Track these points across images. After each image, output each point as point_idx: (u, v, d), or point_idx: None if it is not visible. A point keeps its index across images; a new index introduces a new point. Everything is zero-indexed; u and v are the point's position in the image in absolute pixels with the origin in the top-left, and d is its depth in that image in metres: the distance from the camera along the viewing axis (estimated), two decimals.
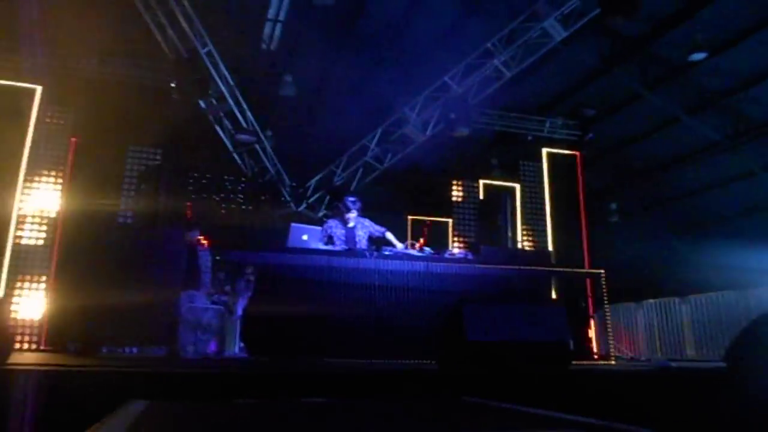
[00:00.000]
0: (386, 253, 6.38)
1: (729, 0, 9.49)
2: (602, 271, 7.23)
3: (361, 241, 6.76)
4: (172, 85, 9.72)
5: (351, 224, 6.75)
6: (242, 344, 5.69)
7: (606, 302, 7.11)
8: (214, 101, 10.29)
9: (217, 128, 10.54)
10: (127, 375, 3.76)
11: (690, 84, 11.40)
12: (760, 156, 11.82)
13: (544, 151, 11.44)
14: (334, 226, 6.76)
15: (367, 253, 6.37)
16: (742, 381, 4.62)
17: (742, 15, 9.85)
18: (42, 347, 7.68)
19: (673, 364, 6.42)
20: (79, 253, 7.12)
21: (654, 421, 3.96)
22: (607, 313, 7.13)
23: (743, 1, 9.53)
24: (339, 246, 6.62)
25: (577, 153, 11.71)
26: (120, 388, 3.34)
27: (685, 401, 4.29)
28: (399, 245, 6.58)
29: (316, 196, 11.39)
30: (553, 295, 7.29)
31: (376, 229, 6.87)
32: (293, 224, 6.42)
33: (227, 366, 4.74)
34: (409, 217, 11.09)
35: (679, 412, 4.16)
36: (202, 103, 10.20)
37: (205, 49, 9.87)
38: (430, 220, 10.34)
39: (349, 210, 6.72)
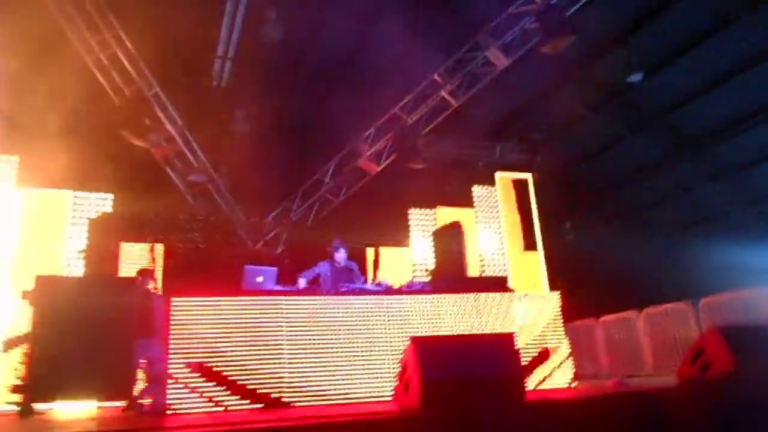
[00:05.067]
0: (342, 289, 6.37)
1: (661, 24, 9.92)
2: (558, 292, 7.35)
3: (355, 281, 6.95)
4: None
5: (339, 265, 6.99)
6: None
7: (563, 321, 7.21)
8: (163, 142, 10.17)
9: (168, 170, 10.40)
10: None
11: (631, 104, 11.83)
12: (701, 170, 12.27)
13: (497, 175, 11.64)
14: (323, 267, 6.98)
15: (324, 292, 6.35)
16: (695, 398, 4.75)
17: (673, 37, 10.32)
18: None
19: (628, 381, 6.54)
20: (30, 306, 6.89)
21: None
22: (564, 334, 7.22)
23: (674, 24, 9.98)
24: (327, 284, 6.78)
25: (529, 175, 11.95)
26: None
27: (640, 421, 4.37)
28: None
29: (273, 233, 11.30)
30: (515, 319, 7.32)
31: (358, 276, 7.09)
32: (247, 266, 6.33)
33: (185, 421, 4.62)
34: (368, 249, 11.09)
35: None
36: (151, 145, 10.06)
37: (152, 91, 9.80)
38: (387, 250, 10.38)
39: (333, 254, 6.99)
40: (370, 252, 11.07)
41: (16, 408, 6.48)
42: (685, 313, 9.16)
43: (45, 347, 6.53)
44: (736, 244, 11.55)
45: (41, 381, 6.50)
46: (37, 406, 6.49)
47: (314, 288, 6.64)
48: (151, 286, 7.34)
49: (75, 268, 8.86)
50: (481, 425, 3.80)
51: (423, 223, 11.55)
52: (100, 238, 9.33)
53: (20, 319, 6.98)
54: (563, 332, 7.12)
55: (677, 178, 12.73)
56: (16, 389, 6.71)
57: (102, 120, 10.04)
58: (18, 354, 6.91)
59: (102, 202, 10.02)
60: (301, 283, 6.67)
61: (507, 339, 4.41)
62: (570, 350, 7.00)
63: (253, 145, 11.13)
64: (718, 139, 11.76)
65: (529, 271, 10.76)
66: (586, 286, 10.90)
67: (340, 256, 7.01)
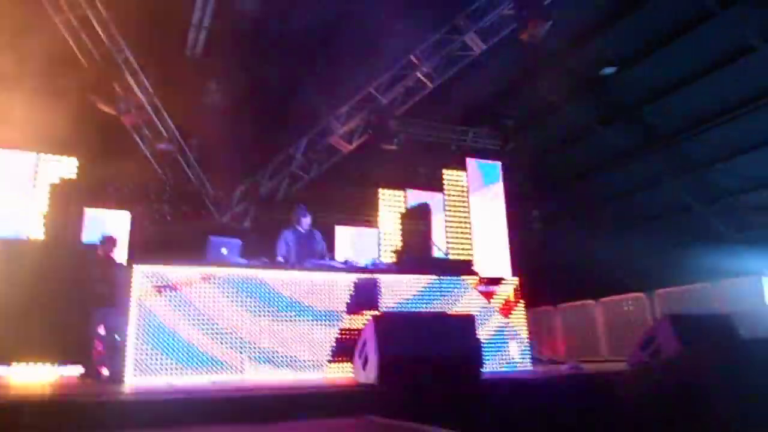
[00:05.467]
0: (307, 265, 6.39)
1: (637, 18, 10.04)
2: (516, 278, 7.48)
3: (321, 246, 7.00)
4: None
5: (303, 231, 6.98)
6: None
7: (524, 307, 7.36)
8: (132, 110, 9.98)
9: (136, 137, 10.21)
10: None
11: (603, 96, 12.00)
12: (667, 164, 12.54)
13: (468, 160, 11.74)
14: (288, 234, 6.95)
15: (288, 265, 6.36)
16: (643, 381, 4.92)
17: (648, 32, 10.46)
18: None
19: (583, 366, 6.73)
20: None
21: (560, 427, 4.17)
22: (525, 318, 7.37)
23: (650, 19, 10.11)
24: (292, 251, 6.79)
25: (499, 162, 12.08)
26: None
27: (591, 402, 4.52)
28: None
29: (242, 206, 11.22)
30: (477, 302, 7.43)
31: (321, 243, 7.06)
32: (212, 237, 6.30)
33: (140, 391, 4.61)
34: (337, 227, 11.10)
35: (585, 413, 4.38)
36: (119, 112, 9.85)
37: (122, 55, 9.57)
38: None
39: (299, 219, 6.97)
40: (339, 230, 11.08)
41: None
42: (640, 303, 9.44)
43: (3, 309, 6.44)
44: (695, 240, 11.90)
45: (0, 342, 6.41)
46: None
47: (278, 261, 6.64)
48: (113, 254, 7.26)
49: (36, 232, 8.69)
50: (437, 401, 3.89)
51: (392, 203, 11.60)
52: (63, 203, 9.15)
53: None
54: (523, 317, 7.26)
55: (643, 171, 12.98)
56: None
57: (70, 82, 9.79)
58: None
59: (66, 166, 9.82)
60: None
61: (467, 319, 4.50)
62: (529, 335, 7.16)
63: (224, 117, 10.98)
64: (685, 135, 12.00)
65: (494, 255, 10.92)
66: (547, 274, 11.11)
67: (306, 221, 6.99)
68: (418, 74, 10.35)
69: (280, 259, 6.75)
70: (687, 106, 11.44)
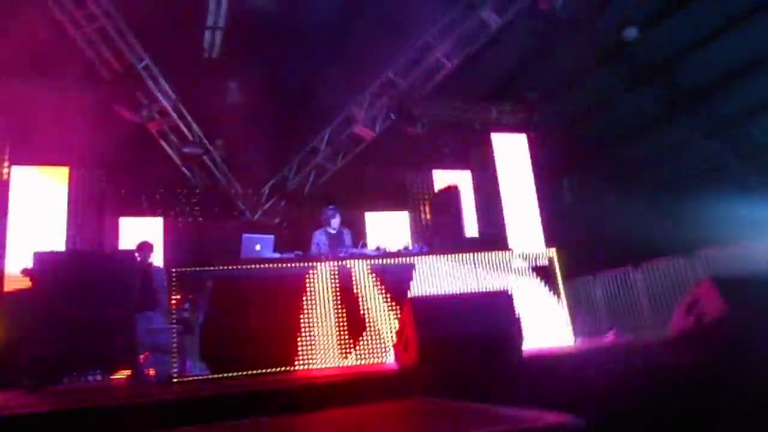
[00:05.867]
0: (340, 254, 6.43)
1: None
2: (553, 249, 7.40)
3: (348, 245, 7.01)
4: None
5: (334, 231, 7.05)
6: (198, 362, 5.65)
7: (563, 279, 7.28)
8: (156, 116, 10.12)
9: (163, 143, 10.37)
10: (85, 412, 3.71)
11: (626, 60, 11.69)
12: (700, 123, 12.20)
13: (494, 136, 11.61)
14: (319, 235, 7.05)
15: (322, 257, 6.40)
16: (688, 347, 4.83)
17: None
18: None
19: (626, 334, 6.64)
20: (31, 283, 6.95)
21: (605, 400, 4.11)
22: (564, 290, 7.29)
23: None
24: (324, 251, 6.86)
25: (525, 135, 11.91)
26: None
27: (634, 372, 4.45)
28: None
29: (271, 202, 11.31)
30: (513, 277, 7.37)
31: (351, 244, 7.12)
32: (245, 234, 6.39)
33: (190, 389, 4.71)
34: (366, 214, 11.12)
35: (628, 384, 4.32)
36: (144, 120, 10.01)
37: (142, 63, 9.70)
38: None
39: (329, 220, 7.04)
40: (368, 217, 11.09)
41: (23, 384, 6.60)
42: (681, 266, 9.25)
43: (47, 323, 6.61)
44: (734, 197, 11.57)
45: (46, 356, 6.58)
46: (44, 381, 6.60)
47: (312, 254, 6.70)
48: (150, 258, 7.41)
49: (75, 244, 8.92)
50: (479, 381, 3.88)
51: (420, 186, 11.56)
52: (98, 214, 9.38)
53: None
54: (562, 288, 7.19)
55: (675, 133, 12.65)
56: (21, 366, 6.81)
57: (95, 95, 9.97)
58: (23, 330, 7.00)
59: (99, 178, 10.05)
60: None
61: (504, 296, 4.47)
62: (568, 307, 7.08)
63: (246, 115, 11.08)
64: (716, 92, 11.64)
65: (527, 230, 10.81)
66: (583, 244, 10.95)
67: (336, 221, 7.07)
68: (437, 55, 10.24)
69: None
70: (716, 62, 11.07)
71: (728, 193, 11.88)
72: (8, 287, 8.02)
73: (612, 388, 4.16)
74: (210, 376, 5.32)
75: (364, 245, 6.72)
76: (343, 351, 5.69)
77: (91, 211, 9.54)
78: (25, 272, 6.32)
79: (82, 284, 6.32)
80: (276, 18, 10.43)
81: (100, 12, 9.13)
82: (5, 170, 9.04)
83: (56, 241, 8.64)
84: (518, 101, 12.25)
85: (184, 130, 10.38)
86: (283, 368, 5.46)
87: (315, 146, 11.25)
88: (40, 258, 6.27)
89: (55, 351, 6.23)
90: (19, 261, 7.68)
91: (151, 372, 6.22)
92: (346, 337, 5.74)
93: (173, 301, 6.31)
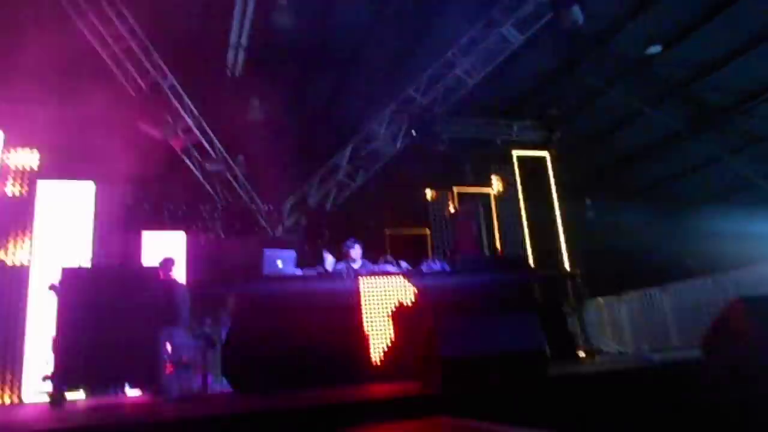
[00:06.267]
0: (362, 272, 6.40)
1: None
2: (578, 271, 7.31)
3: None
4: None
5: (357, 265, 6.68)
6: (225, 379, 5.64)
7: (586, 298, 7.20)
8: (180, 133, 10.26)
9: (186, 160, 10.49)
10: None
11: (649, 77, 11.60)
12: (724, 140, 12.04)
13: (514, 153, 11.56)
14: (341, 267, 6.68)
15: (344, 274, 6.38)
16: (719, 369, 4.70)
17: (691, 7, 10.06)
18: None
19: (655, 357, 6.50)
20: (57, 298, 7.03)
21: (633, 420, 4.02)
22: (587, 310, 7.19)
23: None
24: None
25: (547, 153, 11.84)
26: None
27: (666, 395, 4.34)
28: None
29: (292, 218, 11.36)
30: (536, 298, 7.28)
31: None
32: (266, 250, 6.39)
33: (214, 405, 4.70)
34: (387, 232, 11.11)
35: (659, 406, 4.22)
36: (168, 137, 10.16)
37: (167, 82, 9.86)
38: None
39: (348, 252, 6.71)
40: (388, 234, 11.08)
41: (47, 397, 6.64)
42: (709, 286, 9.06)
43: (72, 338, 6.66)
44: (761, 215, 11.36)
45: (70, 370, 6.63)
46: (68, 395, 6.64)
47: (335, 270, 6.66)
48: (173, 274, 7.45)
49: (99, 258, 9.01)
50: (504, 402, 3.81)
51: (441, 203, 11.53)
52: (122, 229, 9.48)
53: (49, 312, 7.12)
54: (585, 309, 7.09)
55: (699, 151, 12.50)
56: (46, 379, 6.87)
57: (121, 113, 10.15)
58: (47, 345, 7.07)
59: (123, 193, 10.18)
60: (330, 261, 6.61)
61: (528, 316, 4.40)
62: (592, 326, 6.97)
63: (269, 132, 11.19)
64: (739, 109, 11.50)
65: (550, 249, 10.69)
66: (608, 263, 10.80)
67: (356, 253, 6.73)
68: (458, 72, 10.25)
69: (329, 257, 6.63)
70: (739, 79, 10.95)
71: (754, 211, 11.67)
72: (32, 301, 8.11)
73: (639, 409, 4.07)
74: (232, 393, 5.30)
75: (387, 261, 6.66)
76: (367, 369, 5.63)
77: (116, 226, 9.64)
78: (52, 288, 6.39)
79: (107, 300, 6.37)
80: (298, 37, 10.54)
81: (127, 31, 9.30)
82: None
83: (82, 255, 8.72)
84: (539, 118, 12.20)
85: (207, 147, 10.50)
86: (307, 386, 5.42)
87: (336, 163, 11.29)
88: (67, 274, 6.33)
89: (79, 365, 6.27)
90: (44, 276, 7.77)
91: (174, 388, 6.21)
92: (370, 354, 5.69)
93: (195, 317, 6.33)
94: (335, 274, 6.37)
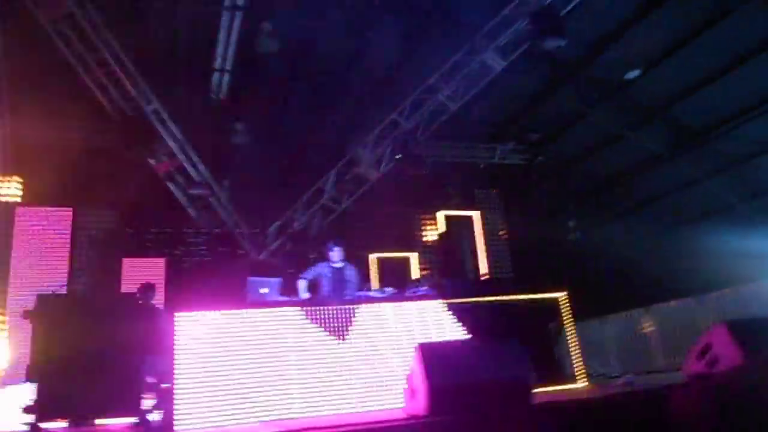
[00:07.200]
0: (347, 297, 6.37)
1: (654, 19, 9.90)
2: (564, 292, 7.34)
3: (352, 281, 6.95)
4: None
5: (339, 265, 6.98)
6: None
7: (570, 322, 7.20)
8: (164, 157, 10.21)
9: (169, 184, 10.43)
10: None
11: (629, 100, 11.81)
12: (703, 163, 12.25)
13: (498, 176, 11.65)
14: (322, 267, 7.02)
15: (328, 300, 6.34)
16: (702, 394, 4.72)
17: (668, 32, 10.29)
18: None
19: (637, 379, 6.51)
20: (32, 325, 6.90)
21: None
22: (572, 332, 7.20)
23: (667, 19, 9.96)
24: (326, 286, 6.84)
25: (530, 176, 11.96)
26: None
27: (649, 420, 4.35)
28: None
29: (278, 242, 11.31)
30: (521, 321, 7.28)
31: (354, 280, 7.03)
32: (250, 278, 6.35)
33: None
34: (371, 256, 11.09)
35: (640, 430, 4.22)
36: (151, 161, 10.11)
37: (150, 107, 9.84)
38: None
39: (328, 253, 7.00)
40: (373, 259, 11.06)
41: (25, 429, 6.47)
42: (691, 308, 9.13)
43: (50, 367, 6.52)
44: (741, 237, 11.52)
45: (48, 400, 6.48)
46: (46, 426, 6.48)
47: (319, 297, 6.64)
48: (153, 301, 7.36)
49: (78, 285, 8.90)
50: (489, 429, 3.79)
51: (426, 227, 11.55)
52: (101, 255, 9.37)
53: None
54: (571, 332, 7.10)
55: (679, 172, 12.70)
56: (25, 410, 6.71)
57: (103, 138, 10.09)
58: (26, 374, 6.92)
59: (104, 219, 10.10)
60: (302, 285, 6.78)
61: (513, 342, 4.40)
62: (578, 350, 6.98)
63: (253, 156, 11.19)
64: (719, 132, 11.72)
65: (534, 271, 10.74)
66: (591, 285, 10.85)
67: (334, 255, 6.98)
68: (440, 97, 10.36)
69: (301, 282, 6.82)
70: (717, 102, 11.17)
71: (734, 232, 11.84)
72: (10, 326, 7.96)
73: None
74: (213, 424, 5.20)
75: (369, 288, 6.65)
76: (351, 397, 5.57)
77: (95, 252, 9.54)
78: (25, 315, 6.27)
79: (85, 327, 6.27)
80: (283, 61, 10.61)
81: (110, 56, 9.29)
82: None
83: (59, 281, 8.61)
84: (522, 142, 12.33)
85: (191, 171, 10.45)
86: (289, 416, 5.34)
87: (320, 187, 11.30)
88: (42, 300, 6.23)
89: (55, 394, 6.14)
90: (21, 301, 7.65)
91: (156, 418, 6.09)
92: (354, 383, 5.63)
93: (177, 345, 6.22)
94: (319, 302, 6.33)
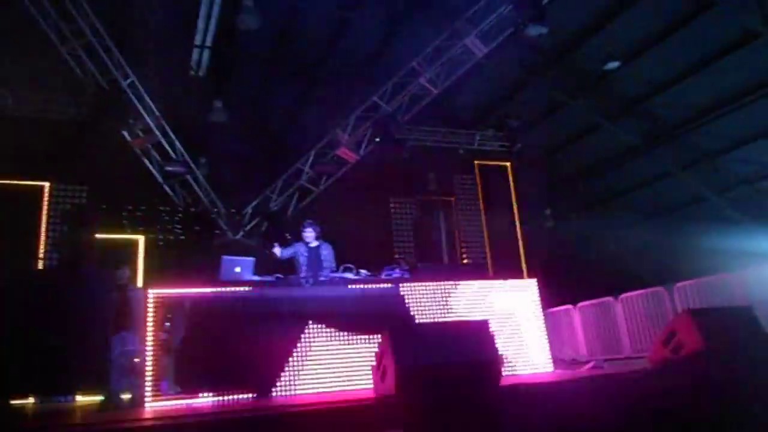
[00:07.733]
0: (321, 279, 6.39)
1: (634, 12, 9.99)
2: (535, 279, 7.41)
3: (327, 260, 7.02)
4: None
5: (313, 244, 7.10)
6: (173, 383, 5.52)
7: (543, 307, 7.29)
8: (140, 133, 10.07)
9: (145, 161, 10.29)
10: None
11: (607, 92, 11.93)
12: (678, 155, 12.44)
13: (476, 163, 11.70)
14: (298, 246, 7.12)
15: (303, 281, 6.35)
16: (666, 379, 4.85)
17: (648, 25, 10.40)
18: None
19: (605, 365, 6.65)
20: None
21: (583, 430, 4.11)
22: (544, 319, 7.29)
23: (648, 12, 10.05)
24: (303, 265, 6.93)
25: (508, 163, 12.03)
26: None
27: (613, 403, 4.46)
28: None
29: (253, 223, 11.25)
30: (493, 306, 7.36)
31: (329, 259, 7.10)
32: (224, 257, 6.31)
33: (163, 414, 4.62)
34: (349, 238, 11.06)
35: (607, 414, 4.33)
36: (127, 136, 9.96)
37: (128, 81, 9.67)
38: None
39: (302, 233, 7.12)
40: (350, 241, 11.03)
41: None
42: (660, 297, 9.31)
43: (18, 342, 6.45)
44: (711, 229, 11.75)
45: (16, 376, 6.42)
46: (14, 402, 6.42)
47: (294, 277, 6.64)
48: (126, 277, 7.30)
49: (51, 260, 8.78)
50: (457, 410, 3.85)
51: (403, 211, 11.57)
52: (75, 231, 9.22)
53: None
54: (541, 318, 7.19)
55: (654, 164, 12.89)
56: None
57: (78, 111, 9.90)
58: None
59: (78, 194, 9.94)
60: (277, 250, 7.04)
61: (483, 325, 4.45)
62: (548, 336, 7.08)
63: (231, 135, 11.08)
64: (693, 125, 11.90)
65: (508, 257, 10.86)
66: (564, 272, 11.01)
67: (308, 235, 7.10)
68: (422, 81, 10.34)
69: (277, 249, 7.07)
70: (693, 96, 11.35)
71: (705, 224, 12.08)
72: None
73: (590, 419, 4.17)
74: (183, 400, 5.21)
75: (347, 269, 6.65)
76: (322, 378, 5.61)
77: (68, 227, 9.38)
78: None
79: (54, 304, 6.20)
80: (264, 40, 10.50)
81: (87, 27, 9.09)
82: None
83: (32, 257, 8.49)
84: (501, 129, 12.38)
85: (168, 148, 10.31)
86: (259, 395, 5.36)
87: (299, 168, 11.24)
88: (10, 277, 6.14)
89: (22, 371, 6.07)
90: None
91: (124, 395, 6.07)
92: (325, 363, 5.67)
93: (150, 322, 6.20)
94: (294, 281, 6.34)
